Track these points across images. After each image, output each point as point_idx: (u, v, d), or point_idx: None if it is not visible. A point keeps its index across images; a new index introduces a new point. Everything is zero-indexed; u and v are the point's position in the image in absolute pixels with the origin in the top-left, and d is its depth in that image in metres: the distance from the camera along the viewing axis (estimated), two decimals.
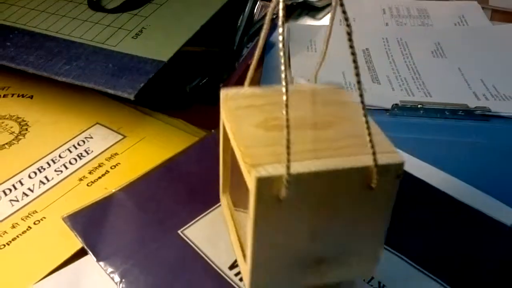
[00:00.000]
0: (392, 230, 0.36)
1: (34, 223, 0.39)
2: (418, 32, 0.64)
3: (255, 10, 0.61)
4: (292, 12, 0.69)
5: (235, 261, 0.34)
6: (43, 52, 0.43)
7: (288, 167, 0.23)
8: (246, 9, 0.57)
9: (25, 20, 0.47)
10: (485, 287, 0.33)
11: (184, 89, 0.52)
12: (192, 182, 0.40)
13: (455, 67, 0.57)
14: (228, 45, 0.52)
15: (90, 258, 0.35)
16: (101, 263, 0.34)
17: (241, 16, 0.55)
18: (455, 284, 0.33)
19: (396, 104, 0.49)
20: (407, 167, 0.41)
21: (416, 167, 0.41)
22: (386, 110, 0.49)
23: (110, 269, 0.34)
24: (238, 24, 0.54)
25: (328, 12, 0.69)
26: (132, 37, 0.44)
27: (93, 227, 0.36)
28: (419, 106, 0.49)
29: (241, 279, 0.33)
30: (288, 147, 0.23)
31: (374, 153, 0.25)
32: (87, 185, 0.42)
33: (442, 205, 0.38)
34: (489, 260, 0.34)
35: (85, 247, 0.35)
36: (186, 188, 0.39)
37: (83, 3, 0.49)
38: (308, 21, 0.67)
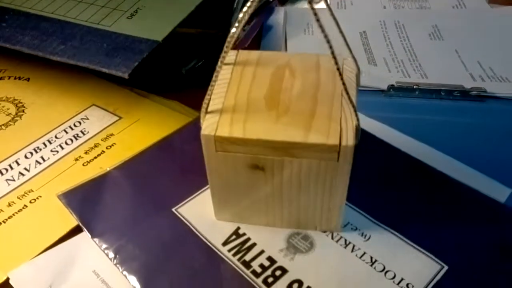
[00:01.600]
0: (384, 207, 0.37)
1: (30, 202, 0.39)
2: (416, 15, 0.64)
3: None
4: None
5: (228, 237, 0.35)
6: (38, 33, 0.43)
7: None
8: None
9: (21, 1, 0.47)
10: (480, 261, 0.33)
11: (180, 71, 0.52)
12: (186, 161, 0.40)
13: (452, 49, 0.57)
14: (225, 27, 0.52)
15: (85, 235, 0.35)
16: (96, 239, 0.35)
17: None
18: (448, 259, 0.33)
19: (392, 85, 0.49)
20: (402, 147, 0.42)
21: (410, 146, 0.42)
22: (382, 91, 0.49)
23: (104, 245, 0.34)
24: (235, 6, 0.54)
25: None
26: (127, 17, 0.44)
27: (88, 204, 0.37)
28: (414, 87, 0.49)
29: (234, 255, 0.34)
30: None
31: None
32: (83, 164, 0.42)
33: (436, 183, 0.38)
34: (482, 236, 0.34)
35: (80, 224, 0.35)
36: (180, 167, 0.40)
37: None
38: (305, 5, 0.67)
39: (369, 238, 0.35)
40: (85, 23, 0.44)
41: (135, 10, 0.45)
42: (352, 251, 0.34)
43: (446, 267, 0.33)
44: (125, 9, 0.45)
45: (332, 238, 0.35)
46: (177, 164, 0.40)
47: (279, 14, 0.65)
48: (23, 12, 0.46)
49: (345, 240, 0.34)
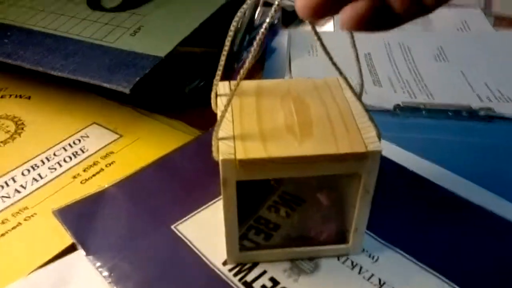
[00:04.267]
0: (392, 227, 0.35)
1: (25, 219, 0.38)
2: (421, 37, 0.63)
3: (255, 15, 0.61)
4: (294, 19, 0.69)
5: None
6: (40, 49, 0.43)
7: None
8: (246, 12, 0.57)
9: (24, 19, 0.47)
10: (494, 282, 0.31)
11: (183, 90, 0.51)
12: (186, 179, 0.39)
13: (458, 70, 0.56)
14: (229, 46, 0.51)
15: (80, 253, 0.34)
16: (90, 257, 0.33)
17: (242, 18, 0.54)
18: (462, 282, 0.31)
19: (398, 105, 0.48)
20: (409, 165, 0.41)
21: (418, 165, 0.40)
22: (388, 111, 0.48)
23: (98, 264, 0.33)
24: (238, 26, 0.54)
25: (329, 19, 0.69)
26: (130, 34, 0.44)
27: (83, 221, 0.35)
28: (421, 107, 0.48)
29: (234, 275, 0.32)
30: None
31: None
32: (81, 182, 0.41)
33: (445, 202, 0.37)
34: (496, 256, 0.33)
35: (75, 241, 0.34)
36: (181, 184, 0.38)
37: (82, 2, 0.49)
38: (308, 28, 0.67)
39: (377, 260, 0.33)
40: (87, 39, 0.44)
41: (138, 28, 0.45)
42: (359, 272, 0.32)
43: None
44: (128, 26, 0.45)
45: (338, 259, 0.33)
46: (177, 182, 0.39)
47: (283, 36, 0.64)
48: (26, 29, 0.46)
49: (352, 262, 0.33)
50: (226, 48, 0.31)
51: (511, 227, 0.35)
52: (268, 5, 0.67)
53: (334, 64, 0.27)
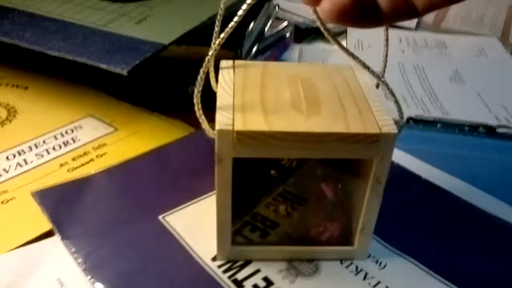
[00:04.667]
0: (401, 233, 0.32)
1: (2, 202, 0.35)
2: (436, 60, 0.61)
3: (266, 27, 0.60)
4: (307, 36, 0.67)
5: None
6: (39, 30, 0.41)
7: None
8: (258, 19, 0.55)
9: (29, 4, 0.46)
10: None
11: (185, 90, 0.49)
12: (179, 171, 0.36)
13: (474, 92, 0.54)
14: (236, 48, 0.49)
15: (56, 239, 0.31)
16: (66, 241, 0.30)
17: (252, 23, 0.53)
18: None
19: (411, 117, 0.45)
20: (423, 175, 0.37)
21: (432, 174, 0.37)
22: None
23: (73, 249, 0.29)
24: (248, 31, 0.52)
25: (340, 37, 0.67)
26: (135, 23, 0.42)
27: (63, 205, 0.32)
28: (436, 120, 0.45)
29: (224, 272, 0.28)
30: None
31: None
32: (68, 171, 0.38)
33: (459, 212, 0.34)
34: (507, 265, 0.29)
35: (51, 223, 0.31)
36: (172, 177, 0.36)
37: None
38: (321, 45, 0.65)
39: (384, 266, 0.29)
40: (90, 25, 0.42)
41: (144, 17, 0.43)
42: (364, 279, 0.29)
43: None
44: (134, 16, 0.43)
45: (341, 263, 0.30)
46: (169, 174, 0.36)
47: (294, 51, 0.63)
48: (28, 12, 0.44)
49: (356, 267, 0.29)
50: (217, 28, 0.29)
51: None
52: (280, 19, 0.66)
53: (351, 54, 0.25)
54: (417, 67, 0.59)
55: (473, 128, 0.44)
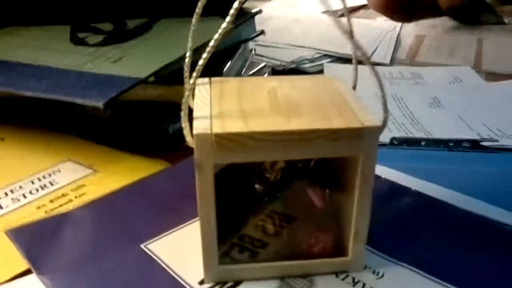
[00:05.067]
0: (400, 243, 0.30)
1: None
2: (413, 89, 0.62)
3: (243, 69, 0.60)
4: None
5: None
6: (14, 75, 0.41)
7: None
8: (234, 60, 0.56)
9: (4, 54, 0.46)
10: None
11: (165, 130, 0.48)
12: (161, 201, 0.35)
13: (454, 114, 0.54)
14: None
15: (32, 277, 0.29)
16: (41, 276, 0.28)
17: (229, 63, 0.53)
18: None
19: (394, 137, 0.45)
20: (414, 187, 0.37)
21: (422, 186, 0.36)
22: (384, 145, 0.45)
23: (50, 284, 0.27)
24: (225, 71, 0.53)
25: None
26: (111, 62, 0.42)
27: (39, 241, 0.31)
28: (420, 137, 0.45)
29: None
30: None
31: None
32: (45, 212, 0.36)
33: (452, 217, 0.33)
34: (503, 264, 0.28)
35: (26, 260, 0.29)
36: (154, 206, 0.34)
37: (66, 39, 0.48)
38: None
39: (382, 276, 0.28)
40: (66, 67, 0.42)
41: (120, 57, 0.43)
42: None
43: None
44: (109, 56, 0.43)
45: (337, 276, 0.28)
46: (150, 204, 0.34)
47: None
48: (3, 60, 0.44)
49: (353, 278, 0.28)
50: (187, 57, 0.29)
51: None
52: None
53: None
54: (395, 97, 0.60)
55: (457, 143, 0.44)
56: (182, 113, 0.25)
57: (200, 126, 0.24)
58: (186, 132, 0.25)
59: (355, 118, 0.25)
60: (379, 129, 0.25)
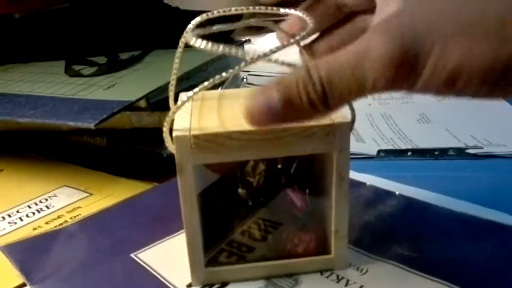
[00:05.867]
0: (382, 241, 0.31)
1: None
2: (401, 107, 0.64)
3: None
4: None
5: None
6: (10, 105, 0.43)
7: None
8: (225, 86, 0.58)
9: (2, 88, 0.48)
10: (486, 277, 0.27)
11: (159, 154, 0.49)
12: (152, 215, 0.36)
13: (443, 128, 0.55)
14: None
15: None
16: (33, 286, 0.29)
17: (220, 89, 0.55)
18: (464, 283, 0.27)
19: (381, 149, 0.46)
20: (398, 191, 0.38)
21: (406, 190, 0.37)
22: (371, 157, 0.46)
23: None
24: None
25: None
26: (103, 89, 0.44)
27: (33, 255, 0.31)
28: (407, 148, 0.46)
29: None
30: None
31: None
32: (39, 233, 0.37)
33: (433, 214, 0.34)
34: (483, 254, 0.29)
35: (20, 273, 0.30)
36: (145, 220, 0.35)
37: (61, 72, 0.50)
38: None
39: (366, 272, 0.28)
40: (60, 96, 0.44)
41: (112, 85, 0.45)
42: (346, 285, 0.27)
43: None
44: (102, 84, 0.45)
45: (321, 274, 0.29)
46: (141, 218, 0.36)
47: None
48: (2, 93, 0.46)
49: (337, 276, 0.28)
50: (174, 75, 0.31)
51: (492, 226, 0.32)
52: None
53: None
54: (384, 115, 0.61)
55: (443, 152, 0.45)
56: (164, 129, 0.27)
57: (179, 129, 0.25)
58: (168, 143, 0.27)
59: (327, 117, 0.26)
60: (349, 125, 0.26)
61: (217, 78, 0.26)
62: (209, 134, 0.25)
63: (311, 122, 0.25)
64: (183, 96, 0.30)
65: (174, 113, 0.26)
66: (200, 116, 0.27)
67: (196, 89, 0.26)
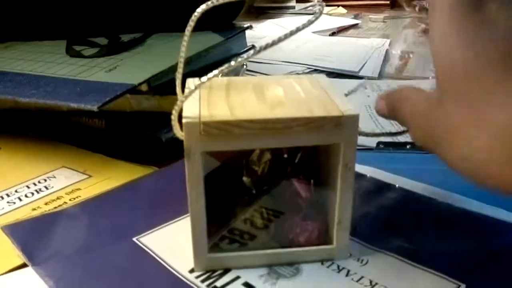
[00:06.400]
0: (383, 233, 0.31)
1: None
2: None
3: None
4: None
5: None
6: (11, 84, 0.42)
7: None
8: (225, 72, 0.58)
9: (1, 65, 0.47)
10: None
11: (159, 138, 0.49)
12: (154, 199, 0.36)
13: None
14: None
15: (27, 270, 0.29)
16: (36, 267, 0.29)
17: (219, 77, 0.55)
18: (464, 278, 0.27)
19: (381, 142, 0.47)
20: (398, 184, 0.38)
21: (406, 183, 0.38)
22: (371, 149, 0.46)
23: (45, 274, 0.28)
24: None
25: None
26: (105, 71, 0.44)
27: (35, 235, 0.31)
28: (405, 141, 0.46)
29: (202, 281, 0.27)
30: None
31: None
32: (40, 213, 0.37)
33: (433, 208, 0.34)
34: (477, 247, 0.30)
35: (21, 253, 0.30)
36: (147, 204, 0.35)
37: (62, 52, 0.49)
38: None
39: (366, 263, 0.29)
40: (62, 76, 0.43)
41: (114, 67, 0.45)
42: (346, 275, 0.28)
43: (463, 286, 0.27)
44: (104, 66, 0.45)
45: (322, 264, 0.29)
46: (143, 201, 0.35)
47: None
48: (2, 71, 0.46)
49: (338, 266, 0.29)
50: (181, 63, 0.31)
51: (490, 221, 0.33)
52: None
53: None
54: None
55: None
56: (172, 116, 0.27)
57: (189, 116, 0.25)
58: (176, 129, 0.27)
59: (335, 107, 0.26)
60: (357, 118, 0.26)
61: (225, 67, 0.26)
62: (219, 121, 0.25)
63: (321, 113, 0.25)
64: (190, 83, 0.30)
65: (183, 101, 0.26)
66: (209, 103, 0.27)
67: (204, 78, 0.26)
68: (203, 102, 0.27)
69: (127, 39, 0.54)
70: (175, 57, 0.48)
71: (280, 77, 0.33)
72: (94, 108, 0.36)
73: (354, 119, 0.26)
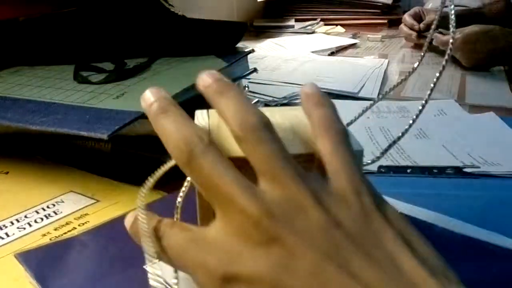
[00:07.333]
0: None
1: None
2: (399, 122, 0.65)
3: None
4: None
5: None
6: (21, 110, 0.43)
7: None
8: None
9: (11, 91, 0.48)
10: None
11: (164, 162, 0.50)
12: None
13: (439, 145, 0.57)
14: None
15: None
16: None
17: None
18: None
19: (381, 165, 0.48)
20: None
21: (403, 208, 0.39)
22: (372, 172, 0.48)
23: None
24: None
25: None
26: (113, 98, 0.45)
27: (47, 263, 0.32)
28: (406, 165, 0.47)
29: None
30: None
31: None
32: (50, 239, 0.38)
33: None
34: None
35: (35, 281, 0.31)
36: None
37: (70, 78, 0.50)
38: None
39: None
40: (70, 103, 0.45)
41: (122, 93, 0.46)
42: None
43: None
44: (112, 93, 0.46)
45: None
46: None
47: None
48: (10, 97, 0.47)
49: None
50: None
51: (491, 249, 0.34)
52: None
53: None
54: (382, 129, 0.63)
55: (441, 170, 0.47)
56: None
57: None
58: None
59: None
60: (361, 153, 0.27)
61: None
62: (230, 158, 0.26)
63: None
64: (199, 115, 0.31)
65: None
66: (219, 136, 0.28)
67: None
68: (212, 134, 0.28)
69: (132, 63, 0.55)
70: (180, 83, 0.49)
71: (285, 109, 0.34)
72: (104, 136, 0.37)
73: (358, 154, 0.27)
